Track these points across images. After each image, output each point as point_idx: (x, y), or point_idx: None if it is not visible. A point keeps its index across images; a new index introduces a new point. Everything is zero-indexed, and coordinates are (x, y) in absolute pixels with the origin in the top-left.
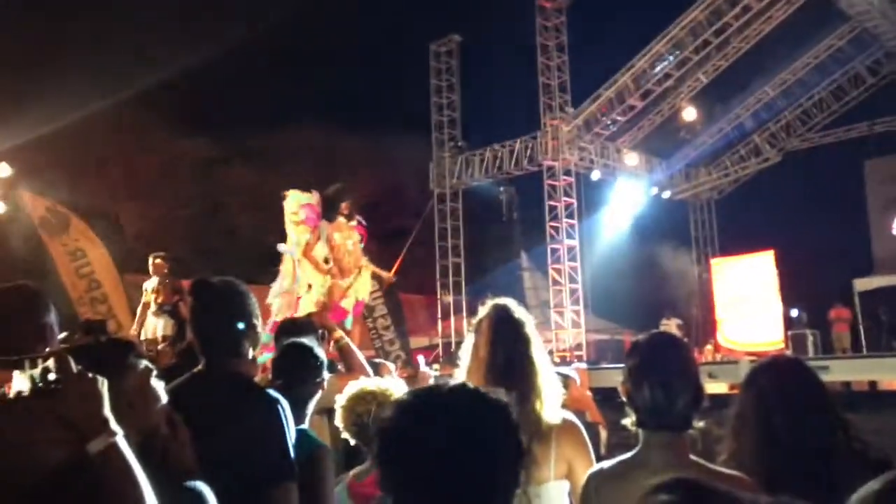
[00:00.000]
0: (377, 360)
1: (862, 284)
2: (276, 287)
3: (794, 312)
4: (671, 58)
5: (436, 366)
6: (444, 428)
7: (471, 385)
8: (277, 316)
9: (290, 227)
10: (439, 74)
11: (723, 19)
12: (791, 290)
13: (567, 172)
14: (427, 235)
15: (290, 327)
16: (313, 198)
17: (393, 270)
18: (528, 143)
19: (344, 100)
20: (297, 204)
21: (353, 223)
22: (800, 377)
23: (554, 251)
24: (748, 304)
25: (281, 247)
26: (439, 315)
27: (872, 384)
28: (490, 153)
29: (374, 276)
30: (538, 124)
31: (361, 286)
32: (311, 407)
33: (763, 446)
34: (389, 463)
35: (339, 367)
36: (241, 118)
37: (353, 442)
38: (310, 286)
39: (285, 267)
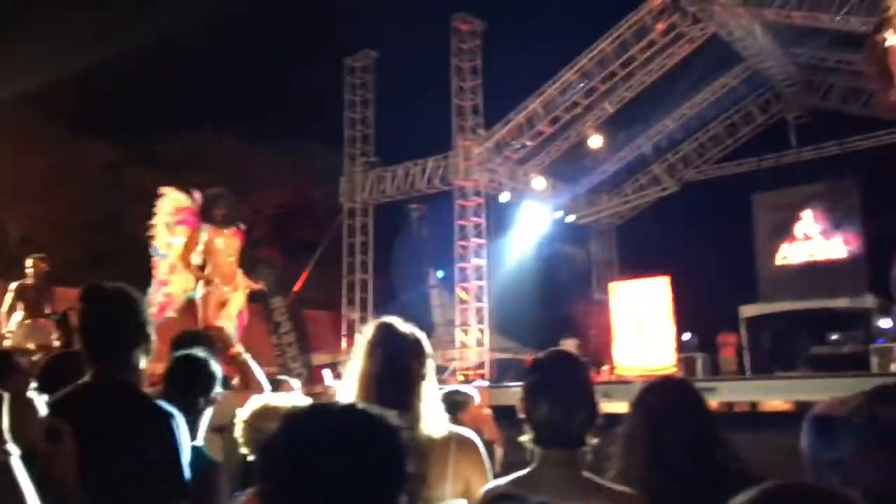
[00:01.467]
0: (279, 377)
1: (747, 311)
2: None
3: (686, 336)
4: (580, 86)
5: (339, 382)
6: (329, 448)
7: (361, 406)
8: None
9: (162, 229)
10: (354, 89)
11: (629, 52)
12: (684, 315)
13: (477, 193)
14: (335, 250)
15: (185, 339)
16: (192, 200)
17: (298, 284)
18: (440, 162)
19: (257, 108)
20: (172, 206)
21: (233, 228)
22: (686, 398)
23: (462, 270)
24: (644, 326)
25: (154, 250)
26: (344, 332)
27: (753, 405)
28: (402, 170)
29: (248, 289)
30: (450, 144)
31: (238, 300)
32: (205, 423)
33: (649, 464)
34: (270, 480)
35: (233, 382)
36: (146, 121)
37: (250, 458)
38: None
39: (160, 271)
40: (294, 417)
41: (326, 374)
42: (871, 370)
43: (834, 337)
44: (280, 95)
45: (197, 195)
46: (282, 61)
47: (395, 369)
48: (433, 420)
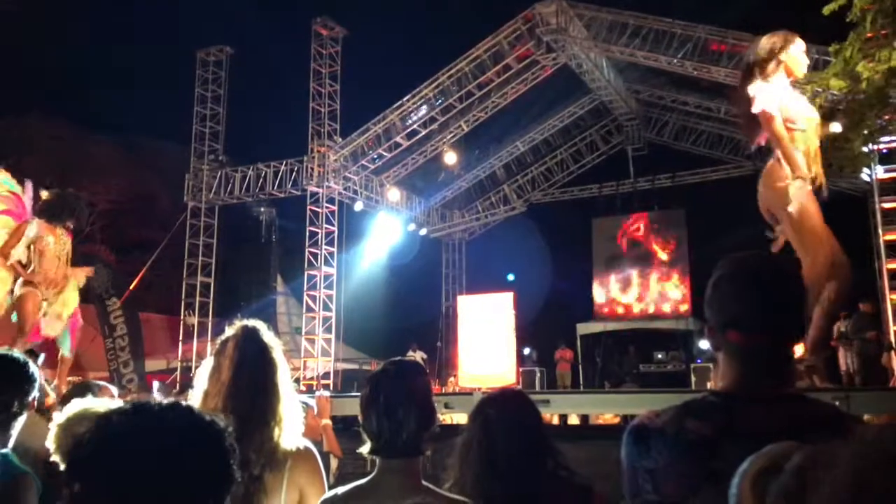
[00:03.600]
0: (98, 382)
1: (583, 329)
2: None
3: (527, 350)
4: (437, 103)
5: (174, 391)
6: (146, 448)
7: (185, 404)
8: None
9: None
10: (205, 84)
11: (486, 74)
12: (526, 330)
13: (330, 200)
14: (176, 251)
15: None
16: (23, 188)
17: (134, 285)
18: (293, 165)
19: (98, 95)
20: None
21: (68, 230)
22: (521, 409)
23: (311, 277)
24: (488, 340)
25: None
26: (181, 337)
27: (584, 417)
28: (253, 171)
29: (84, 279)
30: (305, 148)
31: (71, 299)
32: (17, 429)
33: (484, 472)
34: (82, 482)
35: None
36: None
37: (62, 466)
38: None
39: None
40: (109, 416)
41: (156, 384)
42: (691, 388)
43: (659, 356)
44: (126, 83)
45: (29, 187)
46: (131, 48)
47: (254, 375)
48: (289, 431)
